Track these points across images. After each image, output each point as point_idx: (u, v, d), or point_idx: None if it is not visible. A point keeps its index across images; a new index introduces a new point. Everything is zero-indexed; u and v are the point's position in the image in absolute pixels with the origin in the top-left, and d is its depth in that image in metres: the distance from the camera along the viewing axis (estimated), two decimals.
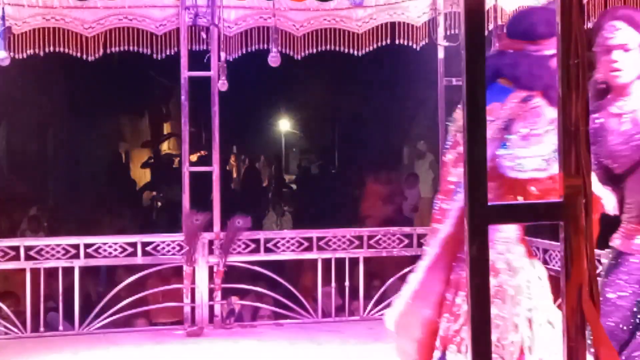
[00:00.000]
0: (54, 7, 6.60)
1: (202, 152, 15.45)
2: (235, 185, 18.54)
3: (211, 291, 6.87)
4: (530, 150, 3.21)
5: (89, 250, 6.69)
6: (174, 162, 19.41)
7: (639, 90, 3.46)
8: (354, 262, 7.24)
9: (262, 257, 7.06)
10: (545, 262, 6.21)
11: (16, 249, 6.62)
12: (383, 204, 11.74)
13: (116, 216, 12.01)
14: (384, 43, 7.12)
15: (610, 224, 3.55)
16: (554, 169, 3.00)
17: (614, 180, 3.53)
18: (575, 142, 1.78)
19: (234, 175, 20.42)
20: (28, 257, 6.60)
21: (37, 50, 6.58)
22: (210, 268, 6.89)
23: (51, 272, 7.07)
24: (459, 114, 3.48)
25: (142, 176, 20.37)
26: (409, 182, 12.36)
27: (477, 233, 1.75)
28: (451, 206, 3.35)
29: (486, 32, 1.94)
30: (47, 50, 6.60)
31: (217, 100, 6.91)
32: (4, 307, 6.82)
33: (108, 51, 6.75)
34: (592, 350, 1.93)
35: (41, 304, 6.70)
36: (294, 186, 20.06)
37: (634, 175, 3.45)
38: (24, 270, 6.67)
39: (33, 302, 6.64)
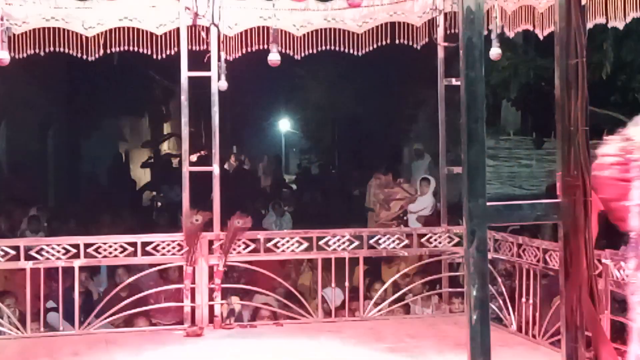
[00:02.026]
0: (54, 7, 6.59)
1: (202, 152, 15.44)
2: (233, 184, 18.53)
3: (211, 291, 6.87)
4: None
5: (89, 250, 6.68)
6: (174, 162, 19.40)
7: None
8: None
9: (262, 257, 7.05)
10: (545, 262, 6.21)
11: (16, 248, 6.61)
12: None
13: (116, 216, 12.00)
14: (384, 43, 7.11)
15: (610, 224, 3.52)
16: None
17: None
18: (575, 142, 1.78)
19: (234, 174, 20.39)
20: (28, 257, 6.59)
21: (37, 50, 6.58)
22: (210, 268, 6.89)
23: (51, 272, 7.07)
24: None
25: (142, 176, 20.35)
26: (422, 187, 11.17)
27: (477, 233, 1.75)
28: None
29: (486, 32, 1.94)
30: (47, 50, 6.60)
31: (217, 100, 6.91)
32: (4, 307, 6.81)
33: (108, 51, 6.74)
34: (592, 350, 1.93)
35: (41, 304, 6.70)
36: (294, 186, 20.05)
37: None
38: (24, 270, 6.66)
39: (33, 302, 6.64)
